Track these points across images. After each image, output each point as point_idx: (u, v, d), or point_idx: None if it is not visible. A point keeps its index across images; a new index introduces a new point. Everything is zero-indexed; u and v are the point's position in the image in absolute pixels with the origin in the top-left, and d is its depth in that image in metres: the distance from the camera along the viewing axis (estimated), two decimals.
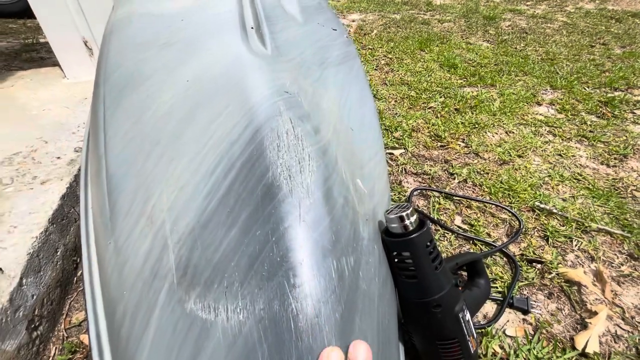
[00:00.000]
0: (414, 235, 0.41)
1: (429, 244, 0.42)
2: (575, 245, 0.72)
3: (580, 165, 0.99)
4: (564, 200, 0.84)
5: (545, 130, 1.16)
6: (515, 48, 2.00)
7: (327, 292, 0.27)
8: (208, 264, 0.31)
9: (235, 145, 0.38)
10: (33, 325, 0.50)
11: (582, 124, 1.20)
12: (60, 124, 0.88)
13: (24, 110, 0.95)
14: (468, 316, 0.45)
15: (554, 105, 1.33)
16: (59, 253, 0.59)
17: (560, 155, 1.02)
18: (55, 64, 1.21)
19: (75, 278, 0.63)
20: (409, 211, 0.41)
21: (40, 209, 0.60)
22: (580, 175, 0.93)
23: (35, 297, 0.52)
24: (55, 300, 0.56)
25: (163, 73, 0.54)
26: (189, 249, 0.33)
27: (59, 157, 0.75)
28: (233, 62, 0.52)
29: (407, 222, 0.41)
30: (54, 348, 0.52)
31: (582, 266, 0.68)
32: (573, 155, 1.03)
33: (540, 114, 1.26)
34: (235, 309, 0.28)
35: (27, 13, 2.19)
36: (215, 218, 0.33)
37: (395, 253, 0.42)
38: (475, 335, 0.46)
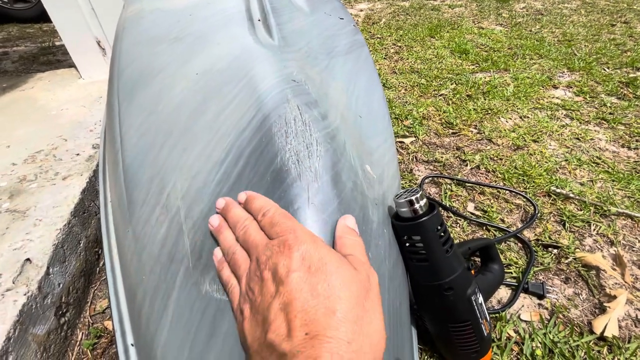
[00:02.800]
0: (423, 219, 0.41)
1: (439, 227, 0.42)
2: (594, 229, 0.70)
3: (600, 148, 0.95)
4: (581, 184, 0.82)
5: (561, 113, 1.12)
6: (530, 30, 1.93)
7: None
8: None
9: (244, 133, 0.38)
10: (61, 312, 0.53)
11: (601, 106, 1.15)
12: (78, 122, 0.91)
13: (44, 110, 0.99)
14: (481, 299, 0.45)
15: (571, 87, 1.29)
16: (81, 244, 0.62)
17: (577, 138, 0.99)
18: (71, 65, 1.24)
19: (97, 268, 0.65)
20: (418, 195, 0.41)
21: (63, 202, 0.63)
22: (599, 159, 0.90)
23: (61, 285, 0.54)
24: (80, 288, 0.59)
25: (174, 67, 0.56)
26: (203, 233, 0.34)
27: (78, 154, 0.78)
28: (241, 53, 0.52)
29: (416, 205, 0.41)
30: (81, 333, 0.55)
31: (601, 251, 0.66)
32: (592, 139, 0.99)
33: (556, 98, 1.22)
34: None
35: (43, 17, 2.25)
36: None
37: (405, 237, 0.43)
38: (488, 318, 0.46)
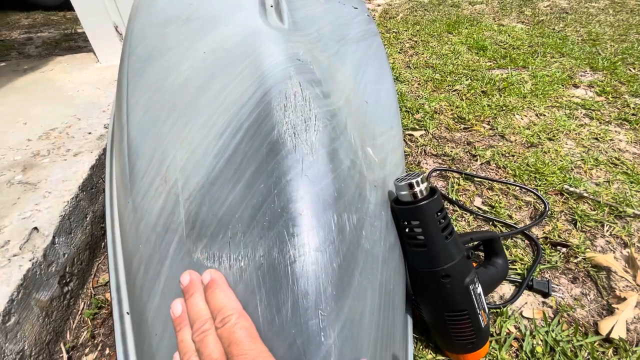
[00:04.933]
0: (422, 203, 0.40)
1: (438, 212, 0.41)
2: (607, 230, 0.67)
3: (619, 149, 0.91)
4: (597, 184, 0.79)
5: (581, 113, 1.08)
6: (553, 29, 1.87)
7: (325, 243, 0.27)
8: (214, 217, 0.32)
9: (244, 107, 0.38)
10: (64, 281, 0.54)
11: (624, 107, 1.10)
12: (92, 103, 0.93)
13: (61, 91, 1.02)
14: (480, 290, 0.44)
15: (592, 87, 1.24)
16: (88, 219, 0.64)
17: (596, 138, 0.95)
18: (91, 50, 1.27)
19: (103, 243, 0.67)
20: (419, 179, 0.40)
21: (72, 177, 0.65)
22: (618, 160, 0.87)
23: (66, 255, 0.56)
24: (84, 261, 0.61)
25: (183, 46, 0.56)
26: (198, 204, 0.34)
27: (90, 133, 0.79)
28: (249, 34, 0.52)
29: (416, 189, 0.40)
30: (83, 303, 0.56)
31: (613, 252, 0.63)
32: (611, 139, 0.95)
33: (576, 97, 1.18)
34: (237, 257, 0.29)
35: (66, 5, 2.32)
36: (223, 175, 0.34)
37: (404, 222, 0.42)
38: (486, 309, 0.45)
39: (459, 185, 0.79)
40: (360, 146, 0.42)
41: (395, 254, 0.41)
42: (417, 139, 0.96)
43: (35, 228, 0.53)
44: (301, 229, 0.27)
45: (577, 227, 0.68)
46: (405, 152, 0.92)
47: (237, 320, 0.26)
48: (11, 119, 0.86)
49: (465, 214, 0.71)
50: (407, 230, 0.42)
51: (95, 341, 0.52)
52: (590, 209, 0.72)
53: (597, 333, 0.51)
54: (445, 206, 0.74)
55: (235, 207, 0.31)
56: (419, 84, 1.28)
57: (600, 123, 1.03)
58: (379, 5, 2.46)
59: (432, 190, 0.42)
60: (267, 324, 0.25)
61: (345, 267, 0.28)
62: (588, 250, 0.63)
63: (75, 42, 1.85)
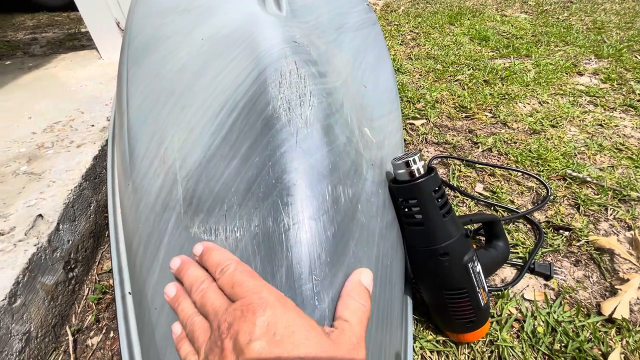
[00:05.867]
0: (419, 181, 0.40)
1: (436, 190, 0.41)
2: (611, 214, 0.67)
3: (624, 135, 0.90)
4: (600, 169, 0.78)
5: (585, 100, 1.07)
6: (558, 18, 1.84)
7: (319, 212, 0.28)
8: (211, 192, 0.33)
9: (240, 87, 0.39)
10: (69, 267, 0.55)
11: (629, 93, 1.09)
12: (94, 97, 0.94)
13: (65, 86, 1.03)
14: (479, 268, 0.44)
15: (597, 74, 1.22)
16: (92, 207, 0.65)
17: (600, 125, 0.94)
18: (94, 48, 1.29)
19: (107, 232, 0.68)
20: (415, 157, 0.40)
21: (76, 167, 0.66)
22: (623, 145, 0.85)
23: (70, 242, 0.57)
24: (88, 248, 0.62)
25: (181, 34, 0.56)
26: (195, 181, 0.35)
27: (93, 125, 0.80)
28: (246, 21, 0.52)
29: (413, 167, 0.40)
30: (87, 289, 0.57)
31: (617, 235, 0.63)
32: (616, 125, 0.94)
33: (580, 84, 1.16)
34: (233, 229, 0.29)
35: (70, 6, 2.34)
36: (219, 152, 0.35)
37: (402, 201, 0.42)
38: (486, 288, 0.45)
39: (460, 172, 0.78)
40: (357, 126, 0.42)
41: (393, 232, 0.41)
42: (418, 127, 0.96)
43: (40, 215, 0.54)
44: (295, 199, 0.28)
45: (580, 211, 0.67)
46: (406, 140, 0.91)
47: (237, 266, 0.25)
48: (16, 114, 0.87)
49: (467, 199, 0.71)
50: (405, 209, 0.42)
51: (100, 325, 0.53)
52: (594, 193, 0.71)
53: (599, 314, 0.50)
54: (447, 192, 0.74)
55: (231, 181, 0.31)
56: (420, 75, 1.28)
57: (604, 109, 1.02)
58: None
59: (430, 169, 0.42)
60: None
61: (339, 236, 0.28)
62: (591, 233, 0.63)
63: (79, 42, 1.87)
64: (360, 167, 0.37)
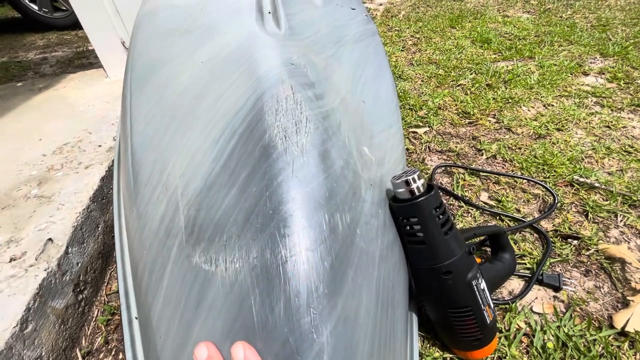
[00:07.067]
0: (420, 199, 0.40)
1: (437, 208, 0.40)
2: (621, 221, 0.65)
3: (633, 136, 0.88)
4: (609, 174, 0.76)
5: (591, 101, 1.05)
6: (561, 17, 1.82)
7: (316, 242, 0.28)
8: (211, 221, 0.33)
9: (238, 113, 0.39)
10: (79, 289, 0.57)
11: (637, 92, 1.07)
12: (101, 117, 0.96)
13: (73, 107, 1.06)
14: (483, 285, 0.43)
15: (603, 74, 1.20)
16: (100, 228, 0.66)
17: (608, 126, 0.92)
18: (101, 66, 1.32)
19: (114, 252, 0.69)
20: (415, 175, 0.40)
21: (84, 189, 0.67)
22: (632, 147, 0.84)
23: (80, 264, 0.58)
24: (97, 269, 0.63)
25: (182, 57, 0.58)
26: (196, 209, 0.35)
27: (100, 145, 0.82)
28: (245, 41, 0.53)
29: (413, 186, 0.40)
30: (97, 310, 0.58)
31: (628, 243, 0.61)
32: (624, 126, 0.92)
33: (586, 85, 1.14)
34: (232, 260, 0.29)
35: (78, 25, 2.41)
36: (218, 180, 0.35)
37: (403, 220, 0.42)
38: (492, 305, 0.44)
39: (464, 180, 0.78)
40: (356, 146, 0.43)
41: (395, 251, 0.41)
42: (420, 135, 0.95)
43: (50, 239, 0.56)
44: (292, 230, 0.28)
45: (589, 218, 0.66)
46: (409, 149, 0.91)
47: None
48: (27, 136, 0.90)
49: (472, 209, 0.70)
50: (406, 227, 0.42)
51: (109, 346, 0.54)
52: (603, 199, 0.70)
53: (611, 327, 0.49)
54: (451, 202, 0.73)
55: (230, 210, 0.32)
56: (422, 81, 1.27)
57: (612, 110, 1.00)
58: (380, 5, 2.46)
59: (430, 187, 0.42)
60: (262, 323, 0.26)
61: (337, 265, 0.28)
62: (601, 241, 0.61)
63: (87, 59, 1.92)
64: (359, 190, 0.37)
